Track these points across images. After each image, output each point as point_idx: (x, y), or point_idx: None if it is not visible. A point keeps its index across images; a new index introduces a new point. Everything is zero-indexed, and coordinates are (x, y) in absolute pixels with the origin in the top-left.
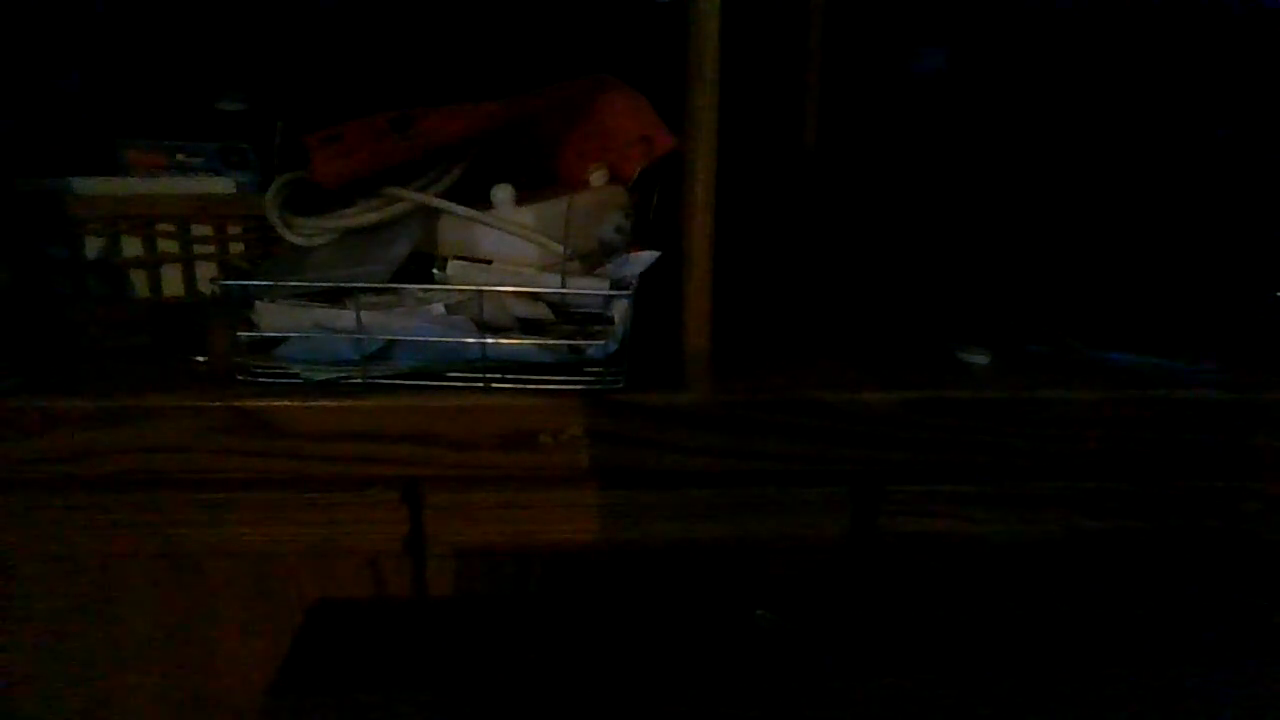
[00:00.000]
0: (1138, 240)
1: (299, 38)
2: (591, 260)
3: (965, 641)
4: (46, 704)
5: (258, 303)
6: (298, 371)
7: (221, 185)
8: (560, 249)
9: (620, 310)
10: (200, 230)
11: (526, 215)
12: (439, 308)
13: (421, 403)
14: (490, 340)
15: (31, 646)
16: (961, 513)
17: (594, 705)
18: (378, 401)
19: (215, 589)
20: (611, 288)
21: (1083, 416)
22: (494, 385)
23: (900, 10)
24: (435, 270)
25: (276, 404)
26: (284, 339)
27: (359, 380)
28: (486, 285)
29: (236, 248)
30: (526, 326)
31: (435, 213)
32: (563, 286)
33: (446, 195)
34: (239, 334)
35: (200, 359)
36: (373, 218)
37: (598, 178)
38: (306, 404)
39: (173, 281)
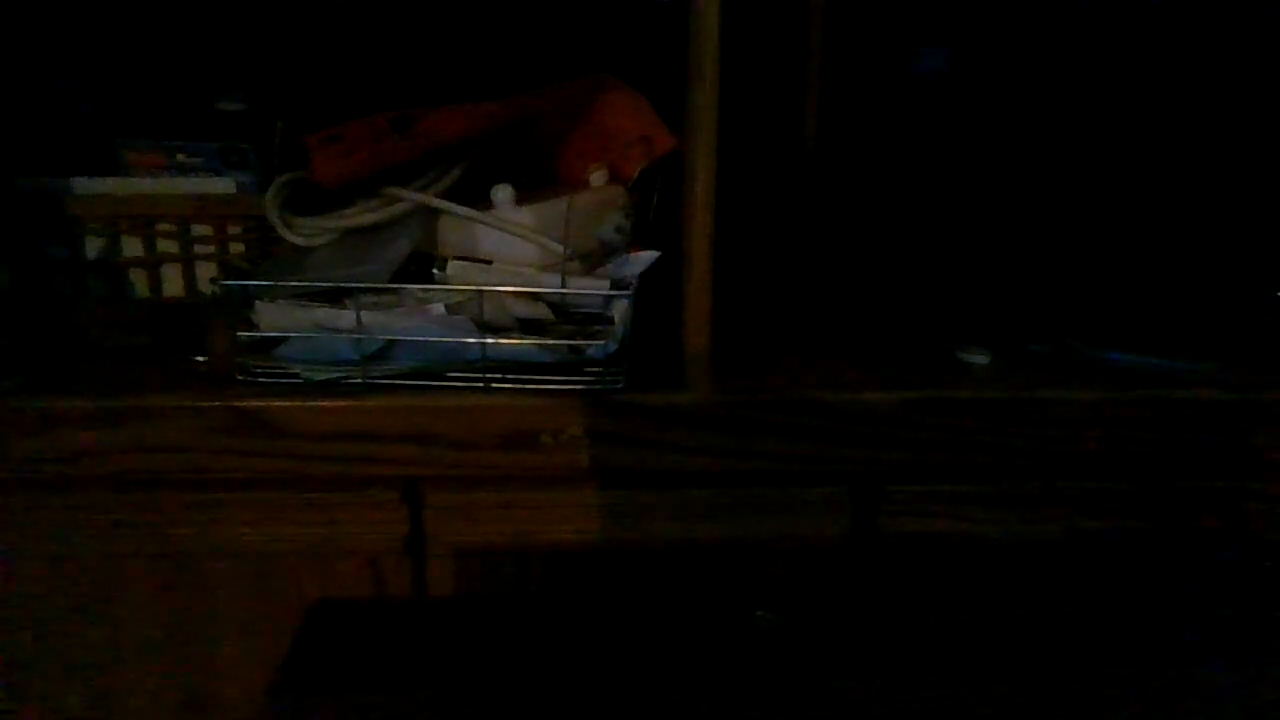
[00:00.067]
0: (1138, 240)
1: (299, 38)
2: (591, 260)
3: (965, 641)
4: (46, 704)
5: (258, 303)
6: (298, 371)
7: (221, 185)
8: (560, 249)
9: (620, 310)
10: (200, 230)
11: (526, 215)
12: (439, 308)
13: (421, 403)
14: (490, 340)
15: (31, 646)
16: (961, 513)
17: (594, 705)
18: (378, 401)
19: (215, 589)
20: (611, 288)
21: (1083, 416)
22: (494, 385)
23: (900, 10)
24: (435, 270)
25: (276, 404)
26: (284, 339)
27: (359, 380)
28: (486, 285)
29: (236, 248)
30: (526, 326)
31: (435, 213)
32: (563, 286)
33: (446, 195)
34: (239, 334)
35: (200, 359)
36: (373, 218)
37: (598, 178)
38: (306, 404)
39: (173, 281)
